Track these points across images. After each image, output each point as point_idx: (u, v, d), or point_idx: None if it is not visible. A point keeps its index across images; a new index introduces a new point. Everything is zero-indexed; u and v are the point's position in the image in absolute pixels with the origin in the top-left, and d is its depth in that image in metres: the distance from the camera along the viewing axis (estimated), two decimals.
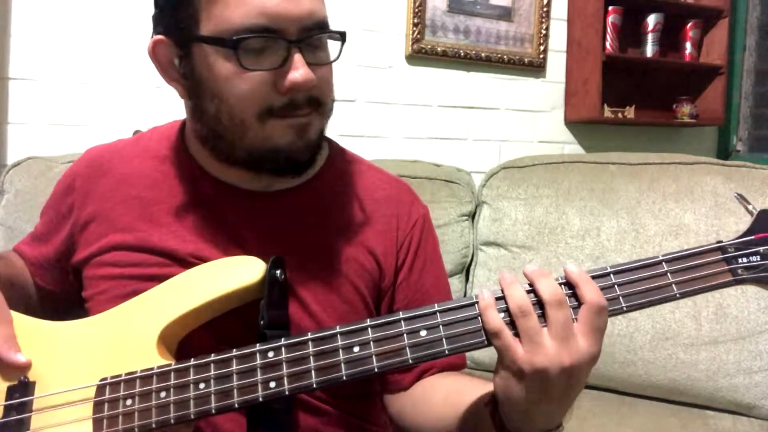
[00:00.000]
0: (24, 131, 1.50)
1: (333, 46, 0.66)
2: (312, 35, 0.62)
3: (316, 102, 0.64)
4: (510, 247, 1.41)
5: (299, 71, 0.60)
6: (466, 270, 1.49)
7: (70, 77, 1.52)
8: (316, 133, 0.66)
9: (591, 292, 0.50)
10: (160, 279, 0.64)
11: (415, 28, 1.82)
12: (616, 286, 0.53)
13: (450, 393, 0.68)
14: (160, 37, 0.65)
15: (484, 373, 1.29)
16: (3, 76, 1.47)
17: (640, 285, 0.53)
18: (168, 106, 1.52)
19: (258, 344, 0.56)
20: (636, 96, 2.12)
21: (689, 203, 1.29)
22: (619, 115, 2.07)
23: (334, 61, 0.66)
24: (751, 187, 1.27)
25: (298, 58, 0.60)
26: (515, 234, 1.41)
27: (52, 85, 1.51)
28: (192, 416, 0.54)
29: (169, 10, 0.63)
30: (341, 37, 0.65)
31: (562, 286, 0.52)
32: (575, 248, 1.34)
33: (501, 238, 1.43)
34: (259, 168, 0.67)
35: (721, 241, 0.55)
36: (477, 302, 0.53)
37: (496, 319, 0.51)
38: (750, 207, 0.56)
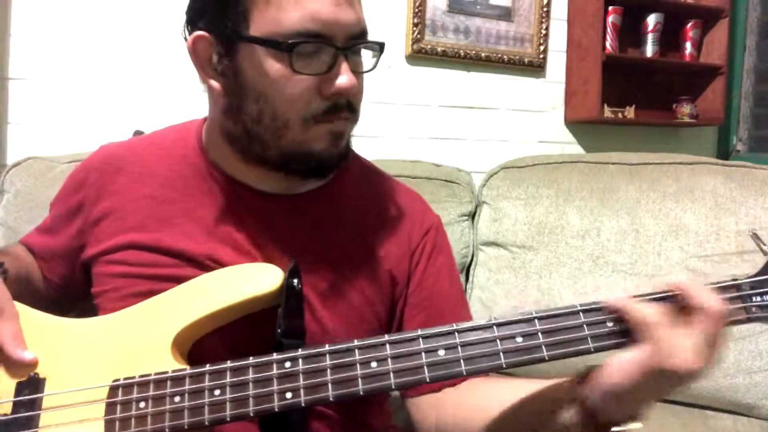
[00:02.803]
0: (24, 131, 1.50)
1: (365, 54, 0.68)
2: (357, 43, 0.63)
3: (353, 108, 0.66)
4: (510, 247, 1.41)
5: (345, 77, 0.61)
6: (466, 270, 1.49)
7: (70, 77, 1.52)
8: (346, 141, 0.68)
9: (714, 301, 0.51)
10: (173, 280, 0.64)
11: (415, 28, 1.82)
12: None
13: (499, 397, 0.66)
14: (202, 33, 0.64)
15: None
16: (3, 76, 1.47)
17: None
18: (168, 106, 1.52)
19: (275, 354, 0.56)
20: (636, 96, 2.12)
21: (689, 203, 1.29)
22: (619, 115, 2.07)
23: (370, 70, 0.68)
24: (751, 187, 1.27)
25: (344, 64, 0.62)
26: (515, 234, 1.41)
27: (52, 85, 1.51)
28: (206, 423, 0.54)
29: (215, 7, 0.63)
30: (380, 48, 0.67)
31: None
32: (575, 248, 1.34)
33: (501, 238, 1.43)
34: (287, 170, 0.67)
35: (736, 279, 0.56)
36: (604, 305, 0.54)
37: (651, 315, 0.51)
38: (765, 247, 0.58)
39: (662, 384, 0.52)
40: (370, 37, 0.66)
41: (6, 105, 1.48)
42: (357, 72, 0.65)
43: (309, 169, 0.67)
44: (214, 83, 0.66)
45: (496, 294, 1.40)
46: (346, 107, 0.64)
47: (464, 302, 0.81)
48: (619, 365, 0.52)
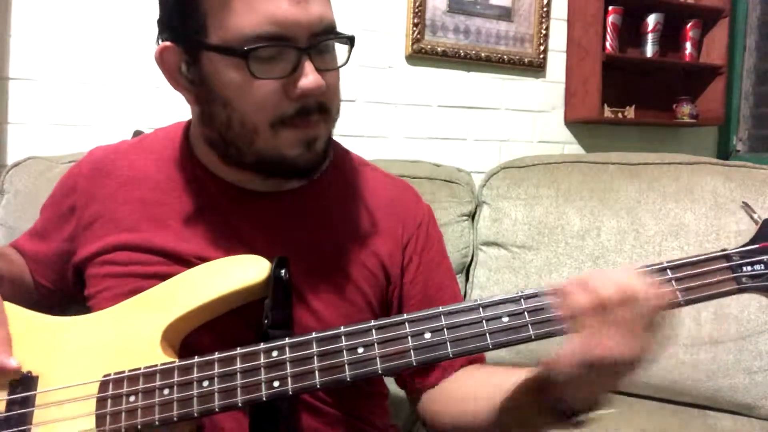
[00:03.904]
0: (24, 131, 1.50)
1: (340, 49, 0.66)
2: (321, 41, 0.61)
3: (325, 109, 0.64)
4: (510, 247, 1.41)
5: (309, 78, 0.60)
6: (466, 270, 1.49)
7: (70, 77, 1.53)
8: (323, 143, 0.66)
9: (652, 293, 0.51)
10: (163, 277, 0.65)
11: (415, 28, 1.82)
12: None
13: (482, 386, 0.67)
14: (167, 43, 0.64)
15: None
16: (3, 76, 1.47)
17: None
18: (168, 106, 1.52)
19: (262, 343, 0.56)
20: (636, 96, 2.12)
21: (689, 203, 1.29)
22: (619, 115, 2.07)
23: (343, 65, 0.66)
24: (751, 187, 1.27)
25: (308, 64, 0.60)
26: (515, 234, 1.41)
27: (52, 85, 1.51)
28: (195, 414, 0.55)
29: (177, 17, 0.62)
30: (350, 41, 0.64)
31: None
32: (575, 248, 1.34)
33: (501, 238, 1.43)
34: (266, 173, 0.67)
35: (725, 249, 0.55)
36: (546, 291, 0.53)
37: (582, 303, 0.51)
38: (755, 216, 0.57)
39: (603, 373, 0.51)
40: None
41: (6, 105, 1.48)
42: (326, 70, 0.62)
43: (287, 173, 0.67)
44: (186, 92, 0.66)
45: (497, 294, 1.40)
46: (316, 110, 0.63)
47: (458, 289, 0.81)
48: (560, 356, 0.52)
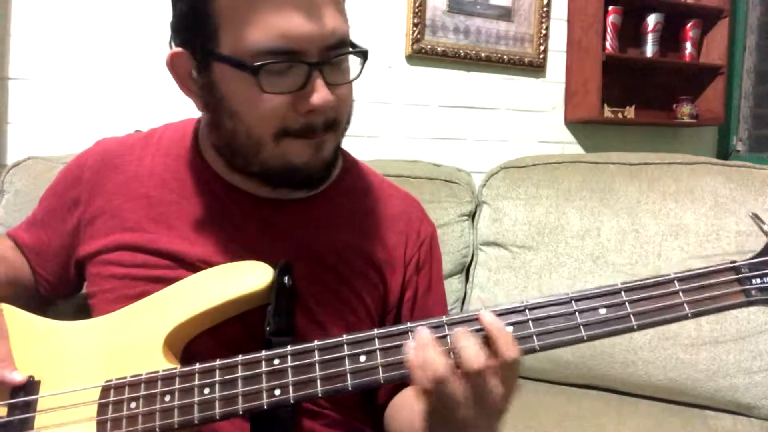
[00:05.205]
0: (24, 131, 1.50)
1: (353, 59, 0.64)
2: (333, 56, 0.60)
3: (333, 122, 0.63)
4: (510, 247, 1.41)
5: (319, 93, 0.59)
6: (466, 270, 1.49)
7: (71, 77, 1.52)
8: (330, 151, 0.66)
9: (506, 347, 0.51)
10: (167, 281, 0.64)
11: (415, 28, 1.82)
12: (627, 303, 0.53)
13: (409, 410, 0.67)
14: (178, 49, 0.63)
15: None
16: (3, 76, 1.47)
17: (652, 303, 0.53)
18: (169, 106, 1.52)
19: (264, 351, 0.56)
20: (636, 96, 2.12)
21: (689, 203, 1.29)
22: (619, 115, 2.07)
23: (354, 79, 0.65)
24: (751, 187, 1.27)
25: (318, 80, 0.59)
26: (515, 234, 1.41)
27: (52, 85, 1.51)
28: (196, 421, 0.54)
29: (189, 24, 0.61)
30: (363, 55, 0.63)
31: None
32: (575, 248, 1.34)
33: (501, 238, 1.43)
34: (272, 183, 0.67)
35: (734, 261, 0.54)
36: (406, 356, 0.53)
37: (423, 381, 0.51)
38: (765, 227, 0.56)
39: (469, 425, 0.51)
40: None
41: (6, 105, 1.48)
42: (338, 84, 0.61)
43: (294, 182, 0.66)
44: (195, 99, 0.66)
45: (496, 294, 1.40)
46: (322, 126, 0.62)
47: (446, 311, 0.81)
48: (426, 414, 0.54)
